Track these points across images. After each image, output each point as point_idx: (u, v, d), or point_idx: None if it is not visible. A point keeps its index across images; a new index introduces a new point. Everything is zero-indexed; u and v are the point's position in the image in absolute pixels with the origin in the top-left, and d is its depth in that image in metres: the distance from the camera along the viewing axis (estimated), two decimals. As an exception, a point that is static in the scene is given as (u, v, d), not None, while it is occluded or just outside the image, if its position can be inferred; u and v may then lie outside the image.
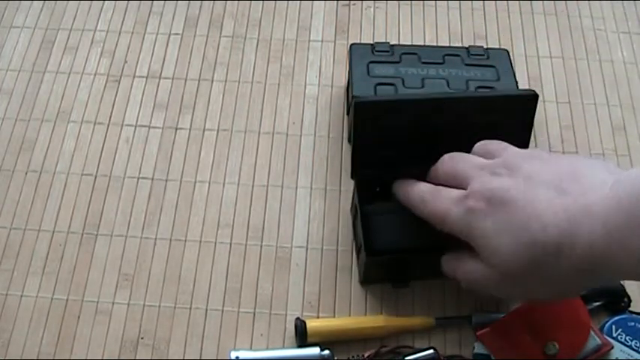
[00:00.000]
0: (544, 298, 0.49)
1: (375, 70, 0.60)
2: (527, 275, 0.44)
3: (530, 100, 0.53)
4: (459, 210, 0.46)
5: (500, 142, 0.50)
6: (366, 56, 0.61)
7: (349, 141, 0.63)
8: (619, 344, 0.52)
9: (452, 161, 0.50)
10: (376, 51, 0.62)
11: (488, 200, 0.45)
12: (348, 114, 0.64)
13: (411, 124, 0.52)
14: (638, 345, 0.52)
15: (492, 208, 0.44)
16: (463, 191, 0.47)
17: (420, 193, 0.51)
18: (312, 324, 0.53)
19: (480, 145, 0.51)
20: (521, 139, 0.54)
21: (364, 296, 0.56)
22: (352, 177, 0.56)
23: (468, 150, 0.51)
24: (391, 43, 0.63)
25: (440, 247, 0.51)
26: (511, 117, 0.53)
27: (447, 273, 0.51)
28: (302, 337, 0.52)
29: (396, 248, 0.53)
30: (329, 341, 0.52)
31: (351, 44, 0.63)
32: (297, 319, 0.53)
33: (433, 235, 0.49)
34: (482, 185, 0.46)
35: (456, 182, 0.49)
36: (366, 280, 0.56)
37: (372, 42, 0.63)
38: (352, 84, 0.60)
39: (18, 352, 0.53)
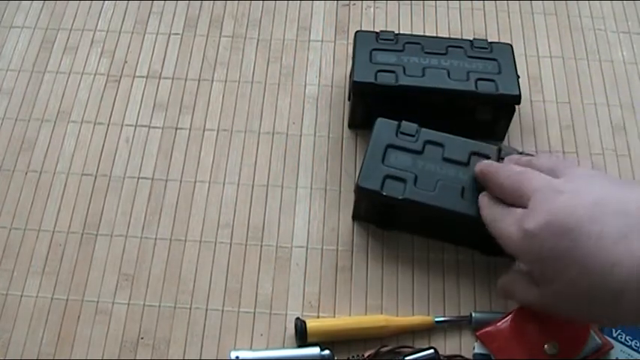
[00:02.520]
0: (604, 325, 0.50)
1: (378, 57, 0.60)
2: (585, 308, 0.42)
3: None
4: (517, 231, 0.44)
5: (566, 159, 0.48)
6: (370, 44, 0.61)
7: (349, 127, 0.64)
8: (619, 344, 0.52)
9: (511, 175, 0.48)
10: (380, 39, 0.62)
11: (548, 224, 0.42)
12: (349, 99, 0.64)
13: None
14: (638, 345, 0.52)
15: (553, 234, 0.41)
16: (523, 210, 0.45)
17: (480, 201, 0.51)
18: (312, 324, 0.53)
19: (544, 161, 0.48)
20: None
21: (364, 296, 0.56)
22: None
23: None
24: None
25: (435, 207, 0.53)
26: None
27: (502, 294, 0.51)
28: (302, 337, 0.52)
29: (380, 193, 0.54)
30: (329, 341, 0.52)
31: (356, 31, 0.63)
32: (297, 319, 0.53)
33: (431, 195, 0.53)
34: (544, 205, 0.43)
35: (514, 199, 0.46)
36: (355, 214, 0.58)
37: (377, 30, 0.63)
38: (354, 69, 0.60)
39: (18, 352, 0.53)
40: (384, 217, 0.57)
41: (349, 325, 0.53)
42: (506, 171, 0.49)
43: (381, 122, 0.58)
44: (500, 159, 0.55)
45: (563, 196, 0.43)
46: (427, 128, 0.57)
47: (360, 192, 0.55)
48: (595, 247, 0.40)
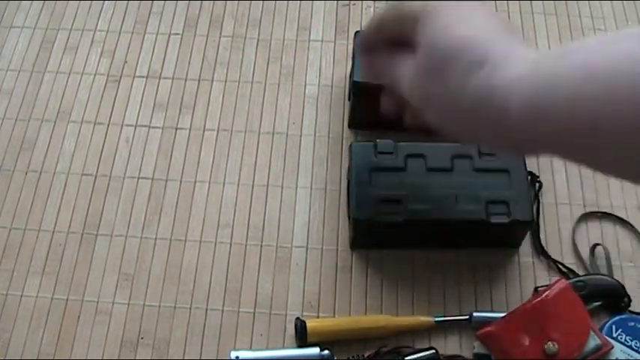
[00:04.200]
0: (448, 126, 0.44)
1: None
2: (441, 72, 0.41)
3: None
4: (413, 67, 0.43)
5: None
6: None
7: (349, 127, 0.64)
8: (619, 344, 0.52)
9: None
10: None
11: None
12: (349, 99, 0.64)
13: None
14: (638, 345, 0.52)
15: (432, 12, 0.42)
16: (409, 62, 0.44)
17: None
18: (312, 324, 0.53)
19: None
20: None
21: (364, 296, 0.56)
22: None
23: None
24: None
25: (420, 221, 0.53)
26: None
27: (375, 73, 0.49)
28: (302, 337, 0.52)
29: (379, 221, 0.54)
30: (329, 341, 0.52)
31: (356, 31, 0.63)
32: (297, 319, 0.53)
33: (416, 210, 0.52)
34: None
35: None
36: (353, 244, 0.57)
37: None
38: (354, 69, 0.60)
39: (18, 352, 0.53)
40: (384, 241, 0.57)
41: (349, 325, 0.53)
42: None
43: (356, 147, 0.57)
44: (481, 154, 0.55)
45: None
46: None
47: (357, 224, 0.55)
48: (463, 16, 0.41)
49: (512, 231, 0.56)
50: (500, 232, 0.55)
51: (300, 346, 0.52)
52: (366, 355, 0.52)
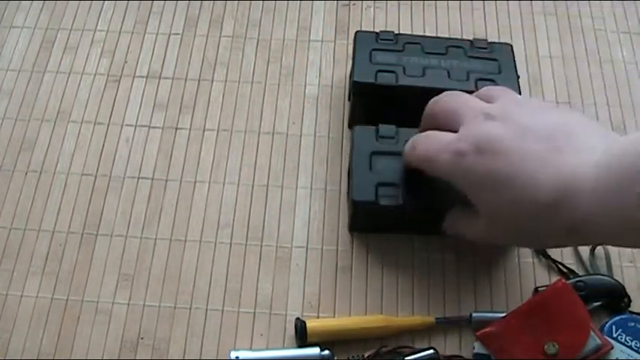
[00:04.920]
0: (533, 247, 0.54)
1: (378, 58, 0.60)
2: (514, 230, 0.45)
3: None
4: (448, 152, 0.46)
5: (504, 88, 0.50)
6: (370, 44, 0.61)
7: (349, 127, 0.63)
8: (619, 344, 0.52)
9: (448, 100, 0.50)
10: (380, 39, 0.62)
11: (477, 145, 0.44)
12: (349, 99, 0.64)
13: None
14: (638, 345, 0.52)
15: (482, 155, 0.44)
16: (454, 134, 0.47)
17: (412, 140, 0.51)
18: (312, 324, 0.53)
19: (484, 90, 0.51)
20: None
21: (364, 296, 0.56)
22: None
23: None
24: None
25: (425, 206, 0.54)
26: None
27: (448, 231, 0.53)
28: (302, 337, 0.52)
29: (377, 203, 0.54)
30: (329, 341, 0.52)
31: (356, 31, 0.63)
32: (297, 319, 0.53)
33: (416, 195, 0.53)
34: (475, 129, 0.45)
35: (449, 124, 0.48)
36: (352, 227, 0.58)
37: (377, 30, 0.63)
38: (354, 70, 0.60)
39: (18, 352, 0.53)
40: (382, 224, 0.57)
41: (349, 325, 0.53)
42: (442, 100, 0.51)
43: (359, 130, 0.57)
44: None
45: (493, 121, 0.45)
46: None
47: (356, 206, 0.55)
48: (520, 172, 0.43)
49: None
50: None
51: (300, 346, 0.53)
52: (366, 355, 0.52)
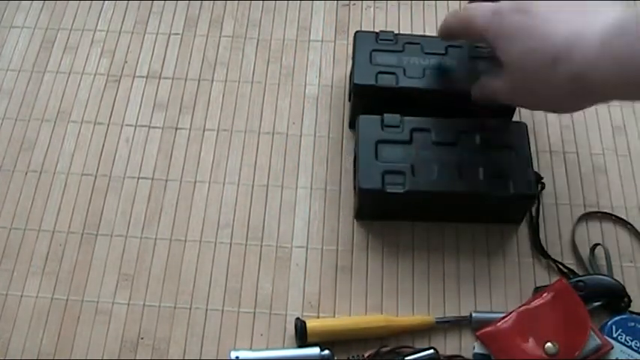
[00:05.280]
0: (546, 109, 0.57)
1: (378, 59, 0.60)
2: (530, 81, 0.50)
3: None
4: (486, 13, 0.51)
5: None
6: (370, 44, 0.61)
7: (350, 127, 0.64)
8: (619, 344, 0.52)
9: None
10: (380, 39, 0.62)
11: (514, 6, 0.50)
12: (349, 99, 0.64)
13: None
14: (638, 345, 0.52)
15: (515, 13, 0.50)
16: (493, 3, 0.52)
17: (451, 11, 0.56)
18: (312, 324, 0.53)
19: None
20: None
21: (364, 296, 0.56)
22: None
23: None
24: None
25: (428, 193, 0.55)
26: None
27: (475, 96, 0.57)
28: (302, 337, 0.52)
29: (383, 191, 0.54)
30: (329, 341, 0.52)
31: (356, 32, 0.63)
32: (297, 319, 0.53)
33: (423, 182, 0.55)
34: None
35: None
36: (359, 215, 0.59)
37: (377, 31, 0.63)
38: (354, 71, 0.60)
39: (18, 352, 0.53)
40: (388, 212, 0.58)
41: (349, 325, 0.53)
42: None
43: (364, 119, 0.58)
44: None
45: None
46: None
47: (363, 193, 0.56)
48: (539, 24, 0.48)
49: (513, 205, 0.57)
50: (501, 206, 0.57)
51: (300, 346, 0.53)
52: (366, 355, 0.52)
